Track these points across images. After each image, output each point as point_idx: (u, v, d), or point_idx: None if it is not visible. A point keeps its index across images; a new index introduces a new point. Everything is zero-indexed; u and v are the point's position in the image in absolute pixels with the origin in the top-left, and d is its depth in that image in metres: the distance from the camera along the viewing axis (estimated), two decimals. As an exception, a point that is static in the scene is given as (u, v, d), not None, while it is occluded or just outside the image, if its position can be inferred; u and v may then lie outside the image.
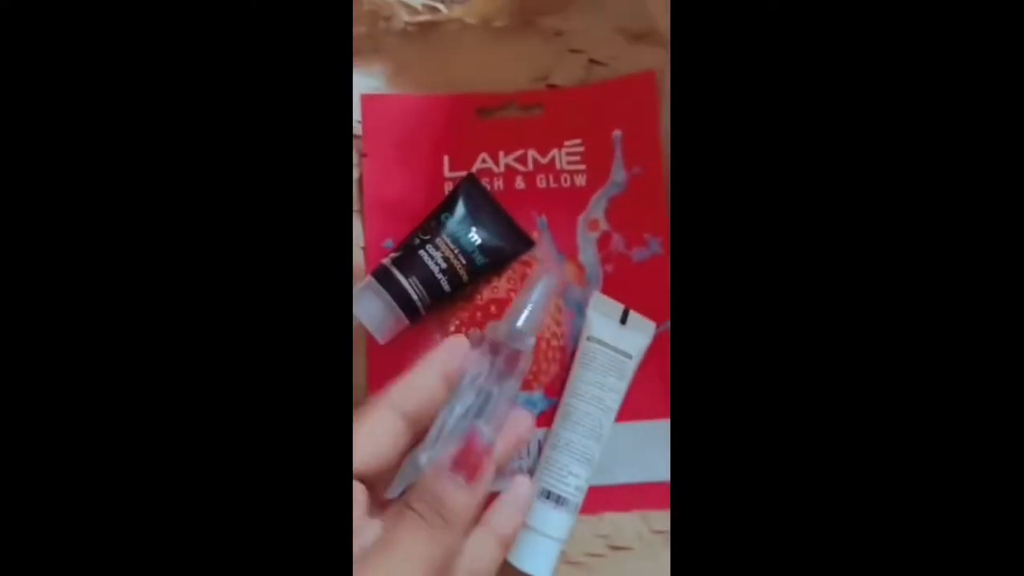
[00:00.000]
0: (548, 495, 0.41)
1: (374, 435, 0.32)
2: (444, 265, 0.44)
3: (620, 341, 0.44)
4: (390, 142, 0.48)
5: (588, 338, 0.44)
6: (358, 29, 0.49)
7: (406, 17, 0.50)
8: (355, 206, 0.48)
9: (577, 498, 0.42)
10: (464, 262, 0.45)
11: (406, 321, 0.44)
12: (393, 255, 0.45)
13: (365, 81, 0.49)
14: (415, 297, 0.43)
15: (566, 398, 0.44)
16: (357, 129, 0.49)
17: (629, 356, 0.44)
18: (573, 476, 0.42)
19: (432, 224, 0.46)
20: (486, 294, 0.46)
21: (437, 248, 0.44)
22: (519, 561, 0.40)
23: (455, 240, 0.45)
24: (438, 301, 0.44)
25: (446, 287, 0.44)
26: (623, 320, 0.44)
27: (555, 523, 0.41)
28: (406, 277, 0.43)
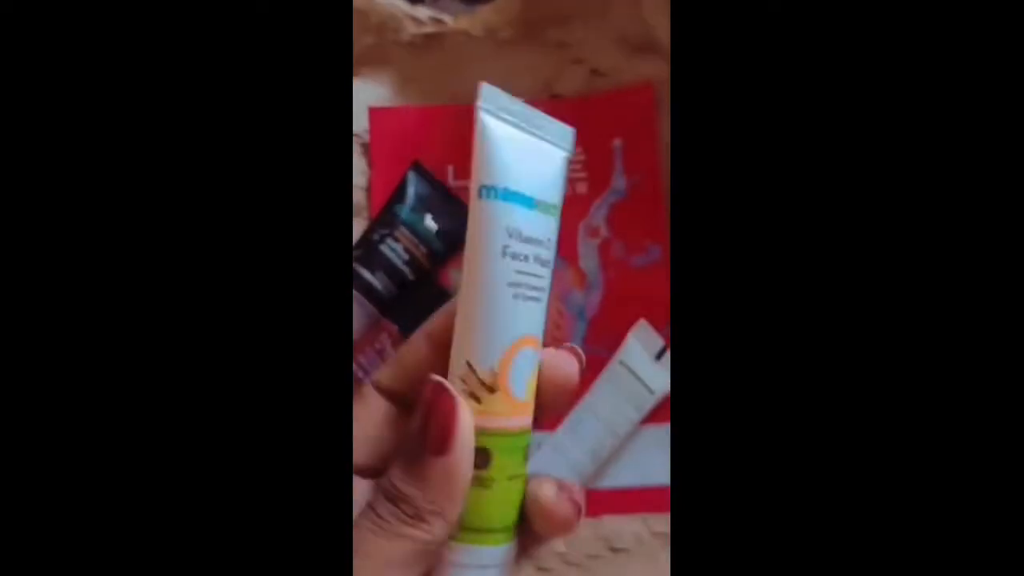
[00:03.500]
0: None
1: (365, 424, 0.29)
2: (406, 256, 0.46)
3: (649, 375, 0.44)
4: (397, 152, 0.49)
5: (620, 362, 0.45)
6: (367, 40, 0.50)
7: (413, 29, 0.51)
8: (365, 213, 0.49)
9: None
10: (425, 251, 0.47)
11: (376, 312, 0.47)
12: (356, 253, 0.47)
13: (373, 91, 0.50)
14: (381, 288, 0.46)
15: (580, 410, 0.44)
16: (366, 138, 0.50)
17: (652, 392, 0.44)
18: (560, 482, 0.42)
19: (388, 217, 0.47)
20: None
21: (397, 240, 0.47)
22: None
23: (412, 230, 0.47)
24: (403, 289, 0.47)
25: (411, 276, 0.46)
26: (659, 356, 0.45)
27: None
28: (372, 272, 0.46)
